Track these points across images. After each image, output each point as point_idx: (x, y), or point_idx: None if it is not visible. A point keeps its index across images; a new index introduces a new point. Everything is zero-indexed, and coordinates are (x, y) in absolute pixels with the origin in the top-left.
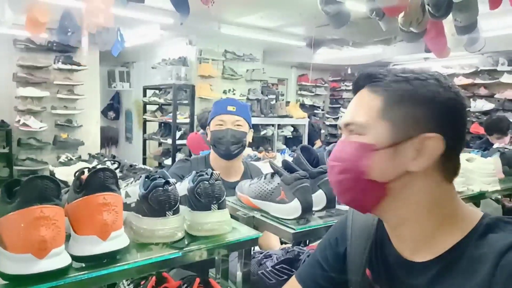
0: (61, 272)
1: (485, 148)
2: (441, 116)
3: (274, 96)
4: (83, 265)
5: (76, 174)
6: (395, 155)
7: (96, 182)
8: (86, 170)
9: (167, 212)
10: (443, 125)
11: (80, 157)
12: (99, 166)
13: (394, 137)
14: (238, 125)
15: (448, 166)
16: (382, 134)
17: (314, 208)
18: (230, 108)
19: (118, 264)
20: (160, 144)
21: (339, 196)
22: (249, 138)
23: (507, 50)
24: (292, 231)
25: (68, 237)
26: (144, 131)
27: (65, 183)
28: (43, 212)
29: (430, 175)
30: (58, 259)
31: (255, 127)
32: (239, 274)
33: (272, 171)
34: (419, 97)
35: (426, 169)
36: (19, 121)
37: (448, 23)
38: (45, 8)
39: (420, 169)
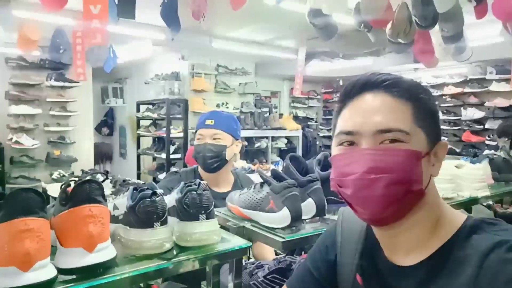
0: (46, 285)
1: (475, 154)
2: (439, 122)
3: (267, 109)
4: (74, 277)
5: (62, 187)
6: (428, 162)
7: (82, 194)
8: (72, 183)
9: (154, 223)
10: (440, 131)
11: (73, 173)
12: (86, 178)
13: (428, 145)
14: (216, 138)
15: None
16: (422, 142)
17: (304, 217)
18: (208, 122)
19: (106, 276)
20: (154, 159)
21: (378, 211)
22: (234, 150)
23: (495, 58)
24: (282, 239)
25: (54, 250)
26: (138, 146)
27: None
28: (28, 225)
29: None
30: (43, 271)
31: (249, 140)
32: (230, 286)
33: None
34: (434, 107)
35: None
36: (11, 139)
37: (435, 34)
38: (36, 26)
39: (437, 174)
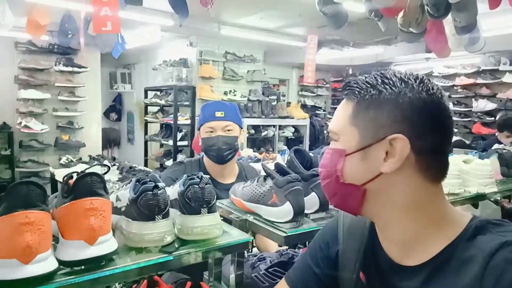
0: (47, 277)
1: (484, 149)
2: (406, 117)
3: (275, 97)
4: (75, 269)
5: (64, 179)
6: (365, 158)
7: (83, 186)
8: (74, 175)
9: (156, 216)
10: (410, 126)
11: (80, 158)
12: (88, 171)
13: (362, 141)
14: (228, 130)
15: (429, 166)
16: (351, 139)
17: (307, 211)
18: (218, 114)
19: (106, 269)
20: (161, 145)
21: (329, 200)
22: (241, 139)
23: (509, 49)
24: (284, 234)
25: (57, 240)
26: (146, 133)
27: None
28: (28, 218)
29: (408, 176)
30: (44, 264)
31: (256, 128)
32: (232, 277)
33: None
34: (383, 101)
35: (401, 170)
36: (20, 123)
37: (448, 23)
38: (45, 11)
39: (391, 170)
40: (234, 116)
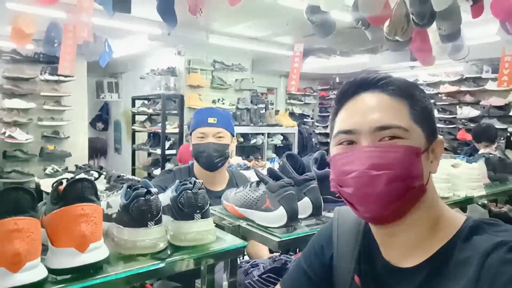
0: (36, 286)
1: (471, 154)
2: (435, 120)
3: (263, 105)
4: (65, 277)
5: (54, 185)
6: (427, 158)
7: (74, 192)
8: (64, 181)
9: (148, 222)
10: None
11: (66, 168)
12: (78, 176)
13: (426, 141)
14: (219, 137)
15: None
16: (420, 138)
17: (300, 216)
18: (210, 120)
19: (98, 277)
20: (149, 154)
21: (380, 209)
22: (232, 147)
23: (491, 57)
24: (278, 239)
25: (46, 248)
26: (133, 142)
27: None
28: (18, 224)
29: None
30: (33, 272)
31: (245, 136)
32: (225, 284)
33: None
34: (427, 104)
35: None
36: (4, 133)
37: (433, 32)
38: (30, 19)
39: (436, 171)
40: (226, 124)
